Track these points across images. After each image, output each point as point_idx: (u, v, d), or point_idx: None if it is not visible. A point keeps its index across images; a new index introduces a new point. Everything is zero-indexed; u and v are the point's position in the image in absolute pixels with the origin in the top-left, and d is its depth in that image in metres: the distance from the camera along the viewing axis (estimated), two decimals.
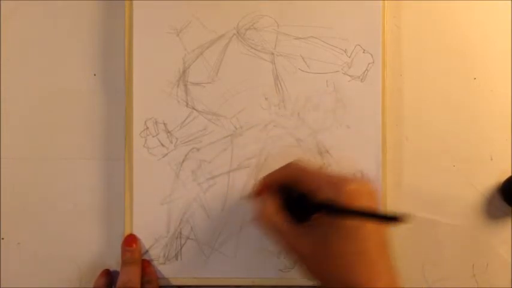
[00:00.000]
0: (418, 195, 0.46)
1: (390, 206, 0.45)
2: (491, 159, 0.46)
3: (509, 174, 0.46)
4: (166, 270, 0.45)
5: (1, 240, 0.45)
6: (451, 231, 0.46)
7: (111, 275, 0.45)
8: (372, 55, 0.45)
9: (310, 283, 0.45)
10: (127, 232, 0.45)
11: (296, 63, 0.45)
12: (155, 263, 0.45)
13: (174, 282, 0.45)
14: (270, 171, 0.41)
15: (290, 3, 0.45)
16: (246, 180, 0.45)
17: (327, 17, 0.45)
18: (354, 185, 0.35)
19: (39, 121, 0.46)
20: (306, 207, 0.37)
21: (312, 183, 0.37)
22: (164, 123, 0.45)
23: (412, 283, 0.46)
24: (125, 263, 0.44)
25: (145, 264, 0.44)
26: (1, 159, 0.45)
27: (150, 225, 0.45)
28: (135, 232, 0.45)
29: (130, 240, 0.44)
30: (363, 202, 0.35)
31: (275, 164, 0.44)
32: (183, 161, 0.45)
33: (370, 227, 0.35)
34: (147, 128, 0.44)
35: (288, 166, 0.39)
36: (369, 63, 0.45)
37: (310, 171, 0.38)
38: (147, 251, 0.45)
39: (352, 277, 0.34)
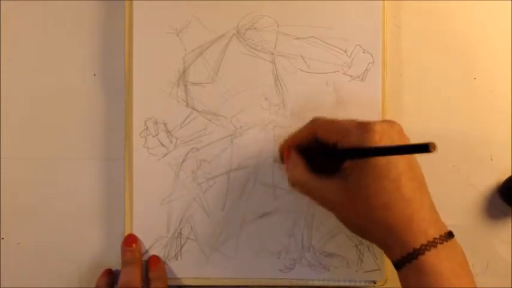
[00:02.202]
0: None
1: None
2: (491, 159, 0.46)
3: (509, 174, 0.46)
4: (167, 270, 0.45)
5: (1, 240, 0.45)
6: None
7: (113, 275, 0.45)
8: (372, 55, 0.45)
9: (310, 283, 0.45)
10: (127, 232, 0.45)
11: (296, 63, 0.45)
12: None
13: (174, 282, 0.45)
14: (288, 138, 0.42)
15: (290, 3, 0.45)
16: (246, 180, 0.45)
17: (327, 17, 0.45)
18: (383, 125, 0.36)
19: (39, 121, 0.46)
20: (335, 157, 0.37)
21: (340, 130, 0.37)
22: (164, 123, 0.45)
23: None
24: (125, 263, 0.44)
25: (155, 260, 0.44)
26: (1, 159, 0.45)
27: (150, 225, 0.45)
28: (135, 232, 0.45)
29: (130, 240, 0.44)
30: (393, 140, 0.35)
31: (275, 163, 0.45)
32: (183, 161, 0.45)
33: (402, 164, 0.35)
34: (147, 128, 0.44)
35: (313, 121, 0.40)
36: (369, 63, 0.45)
37: (337, 121, 0.38)
38: (147, 251, 0.45)
39: (391, 217, 0.34)
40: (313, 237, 0.45)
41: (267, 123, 0.45)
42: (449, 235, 0.35)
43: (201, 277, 0.45)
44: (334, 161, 0.38)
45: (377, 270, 0.45)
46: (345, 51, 0.45)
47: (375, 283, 0.45)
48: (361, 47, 0.45)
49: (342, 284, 0.45)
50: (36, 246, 0.45)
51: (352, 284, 0.45)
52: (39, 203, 0.45)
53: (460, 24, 0.47)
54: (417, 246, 0.34)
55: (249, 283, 0.45)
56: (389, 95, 0.45)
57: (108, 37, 0.46)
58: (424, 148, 0.30)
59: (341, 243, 0.45)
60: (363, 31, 0.45)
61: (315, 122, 0.40)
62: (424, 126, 0.46)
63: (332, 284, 0.45)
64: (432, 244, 0.34)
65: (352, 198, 0.36)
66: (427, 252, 0.33)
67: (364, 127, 0.35)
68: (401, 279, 0.36)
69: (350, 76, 0.45)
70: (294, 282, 0.45)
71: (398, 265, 0.35)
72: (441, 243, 0.34)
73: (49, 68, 0.46)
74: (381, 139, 0.35)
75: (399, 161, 0.35)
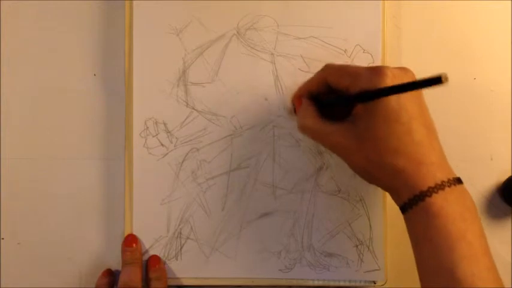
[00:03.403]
0: None
1: (391, 204, 0.45)
2: (491, 159, 0.46)
3: (509, 174, 0.46)
4: (167, 270, 0.45)
5: (1, 240, 0.45)
6: None
7: (113, 275, 0.45)
8: (371, 55, 0.45)
9: (310, 283, 0.45)
10: (127, 232, 0.45)
11: (296, 63, 0.45)
12: None
13: (174, 282, 0.45)
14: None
15: (290, 3, 0.45)
16: (246, 180, 0.45)
17: (327, 17, 0.45)
18: (395, 70, 0.35)
19: (39, 121, 0.46)
20: (345, 101, 0.37)
21: (350, 74, 0.36)
22: (164, 123, 0.45)
23: (412, 282, 0.45)
24: (125, 263, 0.44)
25: (155, 260, 0.44)
26: (1, 159, 0.45)
27: (150, 225, 0.45)
28: (135, 232, 0.45)
29: (131, 240, 0.44)
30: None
31: (275, 163, 0.45)
32: (183, 161, 0.45)
33: (413, 108, 0.34)
34: (147, 128, 0.45)
35: (324, 68, 0.39)
36: (368, 63, 0.45)
37: (348, 65, 0.38)
38: (147, 251, 0.45)
39: (401, 160, 0.34)
40: (313, 237, 0.45)
41: (267, 123, 0.45)
42: (458, 181, 0.35)
43: (201, 277, 0.45)
44: (345, 107, 0.38)
45: (377, 270, 0.45)
46: (345, 51, 0.45)
47: (374, 283, 0.45)
48: (361, 47, 0.45)
49: (342, 284, 0.45)
50: (36, 246, 0.45)
51: (352, 284, 0.45)
52: (39, 203, 0.45)
53: (460, 24, 0.47)
54: (425, 188, 0.34)
55: (249, 283, 0.45)
56: None
57: (108, 37, 0.46)
58: (436, 80, 0.29)
59: (341, 243, 0.45)
60: (363, 31, 0.45)
61: (326, 69, 0.39)
62: None
63: (332, 284, 0.45)
64: (440, 187, 0.33)
65: (361, 141, 0.35)
66: (434, 195, 0.33)
67: (375, 70, 0.35)
68: (408, 223, 0.35)
69: None
70: (294, 282, 0.45)
71: (404, 208, 0.35)
72: (449, 186, 0.34)
73: (49, 68, 0.46)
74: (392, 83, 0.34)
75: (410, 106, 0.34)
